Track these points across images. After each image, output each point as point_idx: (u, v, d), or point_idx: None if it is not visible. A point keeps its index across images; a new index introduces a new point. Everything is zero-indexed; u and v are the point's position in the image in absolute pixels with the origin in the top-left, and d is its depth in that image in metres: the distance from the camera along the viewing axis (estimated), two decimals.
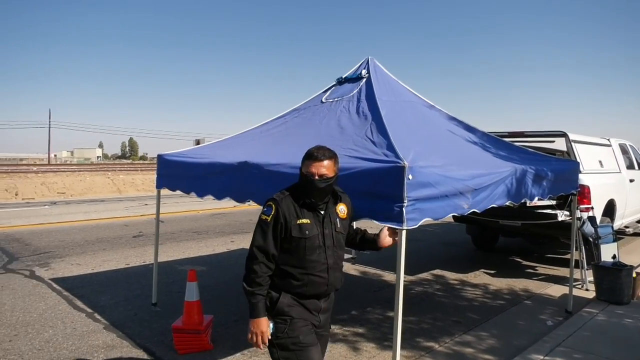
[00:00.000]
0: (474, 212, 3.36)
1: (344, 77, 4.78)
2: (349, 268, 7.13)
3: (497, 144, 4.76)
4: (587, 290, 5.90)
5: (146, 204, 15.34)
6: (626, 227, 8.56)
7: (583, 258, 6.14)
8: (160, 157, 5.02)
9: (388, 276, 6.65)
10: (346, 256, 7.78)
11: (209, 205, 14.76)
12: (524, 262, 7.69)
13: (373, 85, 4.30)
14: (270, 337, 2.40)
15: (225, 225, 11.33)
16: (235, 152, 4.25)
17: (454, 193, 3.12)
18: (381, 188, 2.82)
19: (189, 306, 4.10)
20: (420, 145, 3.55)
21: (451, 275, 6.75)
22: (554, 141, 6.96)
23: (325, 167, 2.46)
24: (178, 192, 4.71)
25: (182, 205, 14.88)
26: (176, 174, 4.65)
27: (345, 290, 6.03)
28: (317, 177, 2.42)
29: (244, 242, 9.11)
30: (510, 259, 7.95)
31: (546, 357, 3.80)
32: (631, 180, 8.31)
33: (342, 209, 2.59)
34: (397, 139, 3.31)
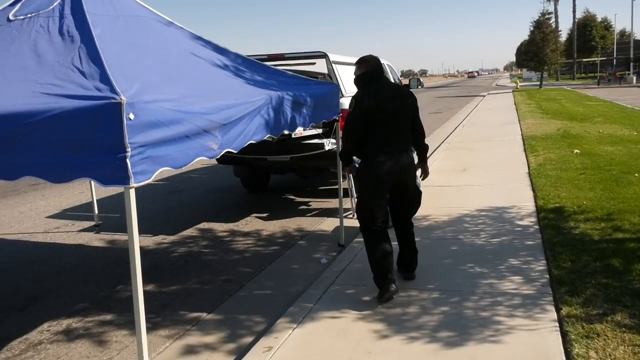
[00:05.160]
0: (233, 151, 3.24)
1: None
2: (92, 239, 6.49)
3: (254, 68, 4.70)
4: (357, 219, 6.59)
5: None
6: None
7: (352, 186, 6.79)
8: None
9: (145, 240, 6.27)
10: (89, 223, 7.10)
11: None
12: (297, 199, 8.23)
13: None
14: None
15: None
16: None
17: (196, 132, 2.90)
18: (93, 135, 2.42)
19: None
20: (152, 74, 3.21)
21: (220, 227, 6.75)
22: (314, 63, 7.34)
23: None
24: None
25: None
26: None
27: (86, 269, 5.50)
28: None
29: None
30: (283, 198, 8.40)
31: (320, 299, 4.09)
32: None
33: None
34: (116, 67, 2.88)
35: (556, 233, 5.16)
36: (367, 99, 4.01)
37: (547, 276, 4.19)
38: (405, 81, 11.39)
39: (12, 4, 3.95)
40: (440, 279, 4.36)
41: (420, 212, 6.33)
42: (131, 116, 2.39)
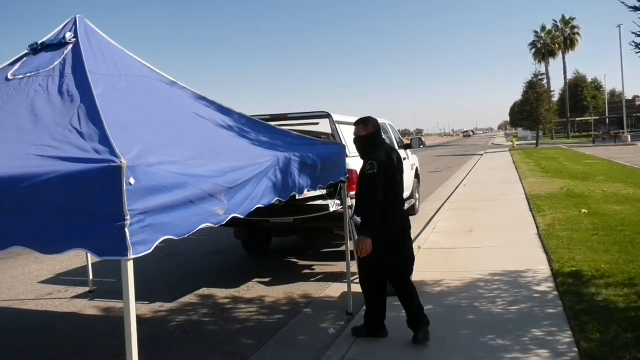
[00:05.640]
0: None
1: (40, 42, 3.90)
2: (86, 306, 6.14)
3: (258, 128, 4.56)
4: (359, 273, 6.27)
5: None
6: None
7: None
8: None
9: (141, 307, 5.91)
10: (83, 289, 6.75)
11: None
12: (300, 262, 7.91)
13: (82, 52, 3.56)
14: None
15: None
16: None
17: (201, 196, 2.68)
18: (89, 201, 2.20)
19: None
20: (154, 135, 3.03)
21: (220, 293, 6.41)
22: (318, 123, 7.23)
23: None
24: None
25: None
26: None
27: (78, 340, 5.13)
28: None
29: None
30: (285, 261, 8.08)
31: None
32: None
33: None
34: (117, 127, 2.71)
35: (578, 300, 4.85)
36: (386, 158, 4.28)
37: (576, 349, 3.87)
38: (406, 140, 11.29)
39: (12, 63, 3.85)
40: (460, 352, 4.02)
41: (430, 276, 6.09)
42: (132, 181, 2.17)
